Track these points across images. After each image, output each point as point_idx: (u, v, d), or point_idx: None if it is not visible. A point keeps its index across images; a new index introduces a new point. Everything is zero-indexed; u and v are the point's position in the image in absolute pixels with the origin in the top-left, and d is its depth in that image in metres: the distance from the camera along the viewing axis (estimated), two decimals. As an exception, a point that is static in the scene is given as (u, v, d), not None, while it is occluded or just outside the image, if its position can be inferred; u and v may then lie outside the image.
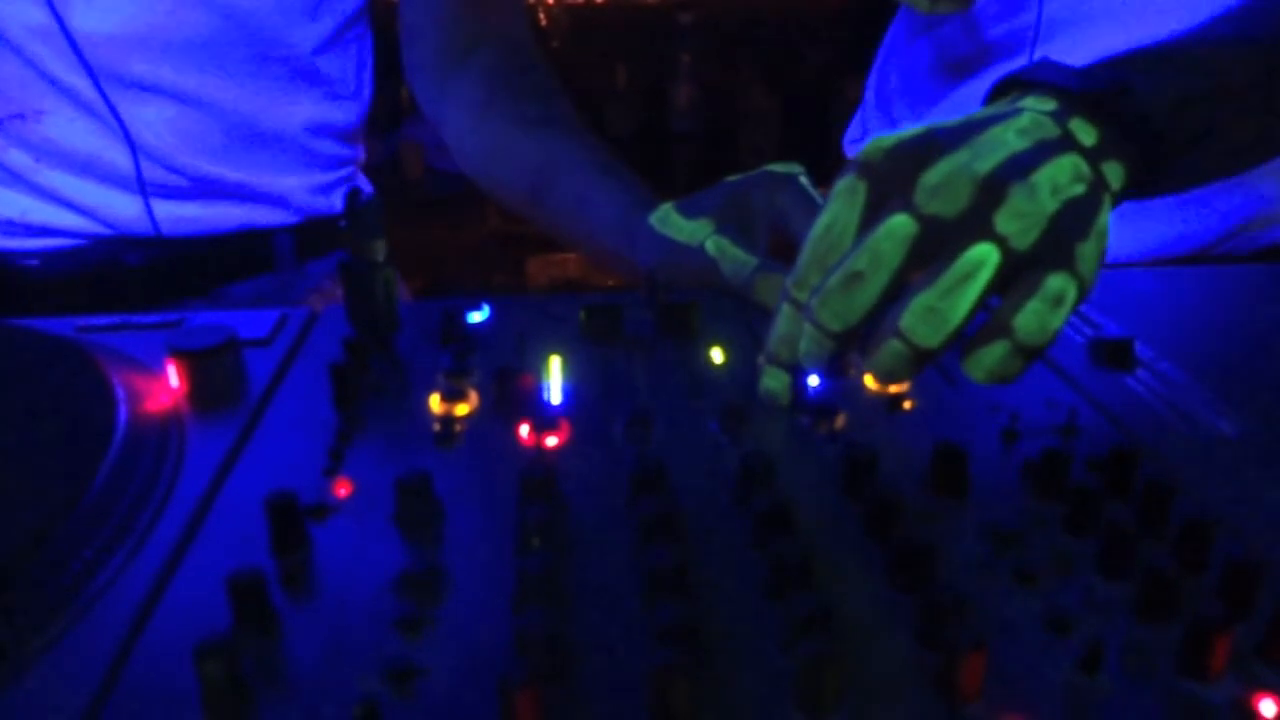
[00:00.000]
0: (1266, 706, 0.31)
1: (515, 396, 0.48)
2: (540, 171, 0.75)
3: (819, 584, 0.36)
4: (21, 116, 0.81)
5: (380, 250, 0.53)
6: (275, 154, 0.90)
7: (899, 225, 0.41)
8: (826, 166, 1.00)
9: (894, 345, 0.41)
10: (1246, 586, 0.35)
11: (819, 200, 0.60)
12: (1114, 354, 0.53)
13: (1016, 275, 0.41)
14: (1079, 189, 0.42)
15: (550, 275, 2.18)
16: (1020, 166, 0.41)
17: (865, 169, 0.43)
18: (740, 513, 0.40)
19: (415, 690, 0.32)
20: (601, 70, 2.35)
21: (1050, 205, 0.41)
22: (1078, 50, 0.55)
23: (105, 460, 0.42)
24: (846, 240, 0.43)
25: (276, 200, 0.91)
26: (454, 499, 0.41)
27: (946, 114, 0.82)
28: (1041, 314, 0.40)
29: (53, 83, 0.80)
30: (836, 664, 0.30)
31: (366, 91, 0.96)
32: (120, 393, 0.47)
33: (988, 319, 0.42)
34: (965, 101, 0.81)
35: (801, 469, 0.44)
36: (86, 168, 0.84)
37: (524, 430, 0.46)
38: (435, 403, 0.49)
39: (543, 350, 0.53)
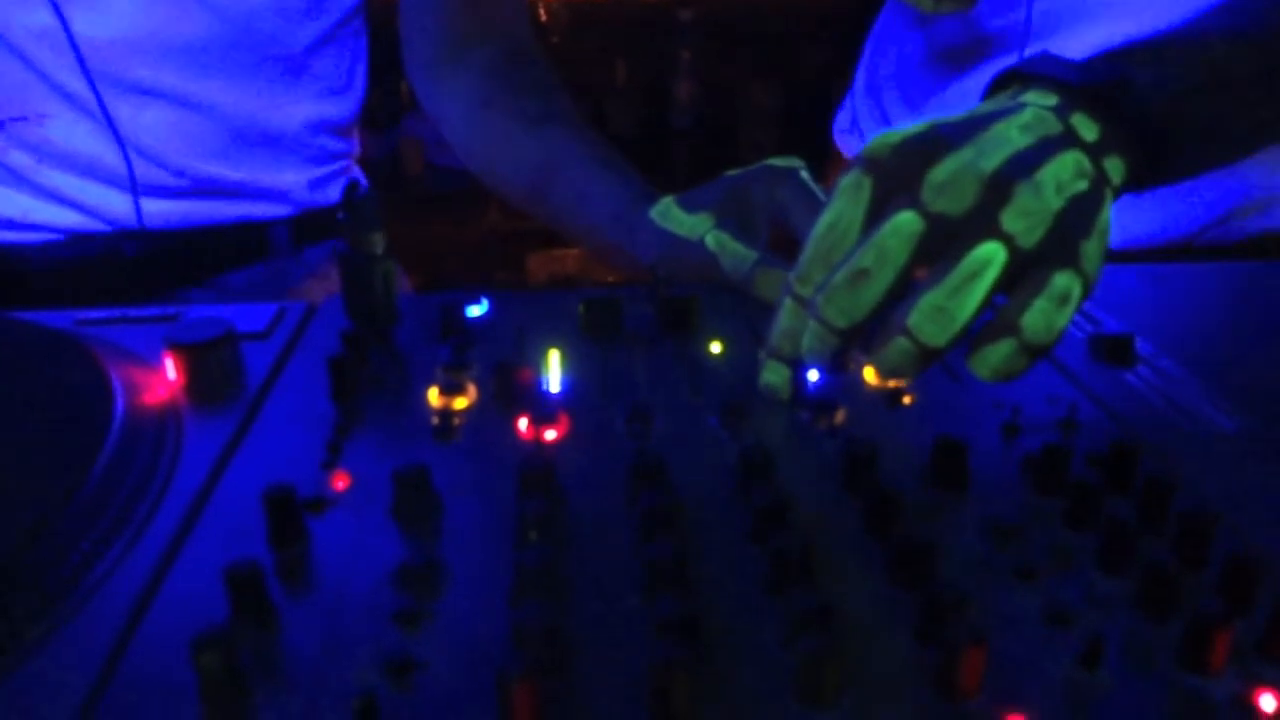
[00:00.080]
0: (1266, 701, 0.31)
1: (514, 390, 0.48)
2: (541, 167, 0.75)
3: (819, 579, 0.36)
4: (24, 119, 0.82)
5: (378, 243, 0.53)
6: (273, 152, 0.90)
7: (905, 222, 0.41)
8: (826, 162, 1.00)
9: (901, 343, 0.41)
10: (1246, 581, 0.35)
11: (819, 195, 0.60)
12: (1114, 350, 0.53)
13: (1022, 273, 0.41)
14: (1082, 185, 0.42)
15: (551, 271, 2.18)
16: (1025, 164, 0.41)
17: (871, 165, 0.43)
18: (740, 507, 0.40)
19: (413, 683, 0.32)
20: (601, 66, 2.35)
21: (1055, 203, 0.41)
22: (1071, 44, 0.55)
23: (103, 453, 0.41)
24: (851, 236, 0.43)
25: (273, 196, 0.91)
26: (452, 493, 0.41)
27: (940, 105, 0.82)
28: (1048, 313, 0.40)
29: (54, 87, 0.81)
30: (836, 659, 0.30)
31: (361, 85, 0.96)
32: (118, 385, 0.46)
33: (993, 317, 0.42)
34: (959, 93, 0.81)
35: (801, 464, 0.44)
36: (87, 169, 0.84)
37: (523, 424, 0.46)
38: (434, 396, 0.49)
39: (542, 344, 0.53)
